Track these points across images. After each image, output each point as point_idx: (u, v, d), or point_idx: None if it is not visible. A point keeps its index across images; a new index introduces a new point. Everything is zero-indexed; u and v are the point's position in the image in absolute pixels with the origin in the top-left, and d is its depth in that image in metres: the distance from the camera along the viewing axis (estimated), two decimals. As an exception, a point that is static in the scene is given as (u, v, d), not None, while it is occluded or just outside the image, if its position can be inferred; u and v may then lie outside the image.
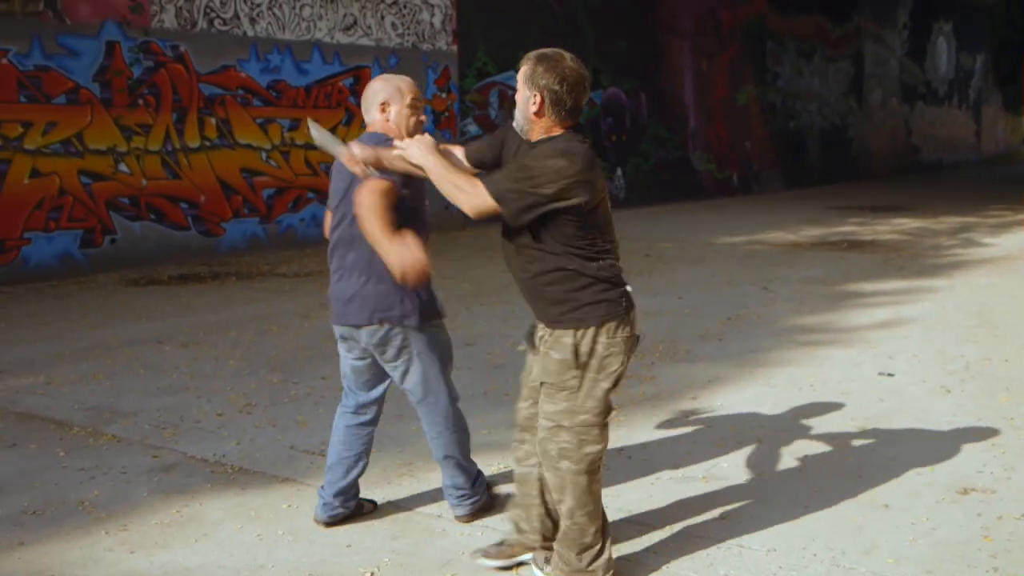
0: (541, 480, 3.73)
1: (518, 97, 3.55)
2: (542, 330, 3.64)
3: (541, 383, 3.58)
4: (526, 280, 3.61)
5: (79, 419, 5.93)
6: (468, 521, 4.24)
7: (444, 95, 15.87)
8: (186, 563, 3.96)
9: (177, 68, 12.45)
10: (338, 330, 4.19)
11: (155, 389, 6.56)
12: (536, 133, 3.54)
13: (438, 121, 15.75)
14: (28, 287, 10.83)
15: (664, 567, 3.83)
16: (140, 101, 12.10)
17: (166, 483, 4.85)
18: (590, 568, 3.56)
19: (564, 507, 3.58)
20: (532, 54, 3.54)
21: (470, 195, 3.41)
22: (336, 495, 4.22)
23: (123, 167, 11.95)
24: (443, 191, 3.47)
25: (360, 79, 14.49)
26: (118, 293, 10.46)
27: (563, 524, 3.61)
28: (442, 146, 3.76)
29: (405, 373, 4.11)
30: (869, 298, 9.70)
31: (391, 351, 4.06)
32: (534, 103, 3.48)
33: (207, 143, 12.78)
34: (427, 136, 3.68)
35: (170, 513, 4.44)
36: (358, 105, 14.36)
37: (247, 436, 5.55)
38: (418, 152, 3.56)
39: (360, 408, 4.26)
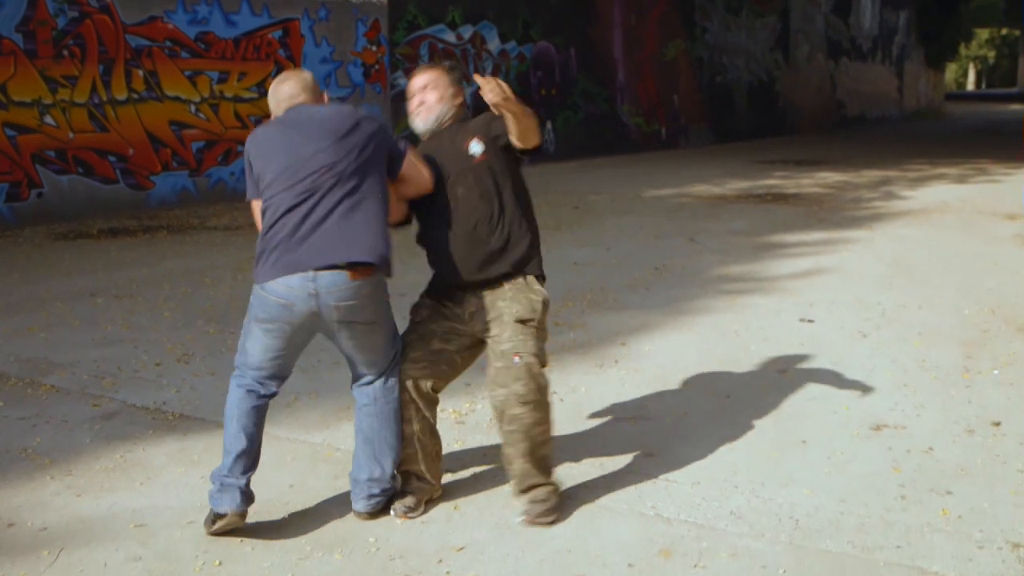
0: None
1: (439, 95, 4.11)
2: (508, 277, 3.95)
3: (522, 320, 3.85)
4: (504, 229, 3.96)
5: (15, 371, 5.97)
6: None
7: (374, 48, 15.83)
8: (133, 505, 4.06)
9: (103, 19, 12.29)
10: None
11: (91, 341, 6.60)
12: (458, 114, 4.15)
13: (368, 74, 15.73)
14: (-46, 241, 10.71)
15: (596, 501, 4.03)
16: (65, 52, 11.94)
17: (108, 430, 4.93)
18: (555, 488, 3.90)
19: (540, 438, 3.83)
20: (446, 64, 4.46)
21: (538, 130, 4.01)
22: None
23: (49, 119, 11.81)
24: (529, 126, 3.87)
25: (289, 32, 14.42)
26: (46, 248, 10.39)
27: (536, 455, 3.84)
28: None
29: None
30: (791, 249, 9.99)
31: None
32: (459, 95, 4.19)
33: (135, 96, 12.66)
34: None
35: (114, 459, 4.53)
36: (288, 58, 14.35)
37: (187, 384, 5.64)
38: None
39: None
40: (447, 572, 3.48)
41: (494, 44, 18.28)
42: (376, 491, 3.88)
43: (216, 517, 3.69)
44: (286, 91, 3.93)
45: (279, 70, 14.25)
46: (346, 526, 3.85)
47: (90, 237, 10.96)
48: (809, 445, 4.63)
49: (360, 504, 3.89)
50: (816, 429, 4.83)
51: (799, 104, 30.26)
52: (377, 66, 15.90)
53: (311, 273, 3.58)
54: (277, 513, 3.95)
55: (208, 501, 3.74)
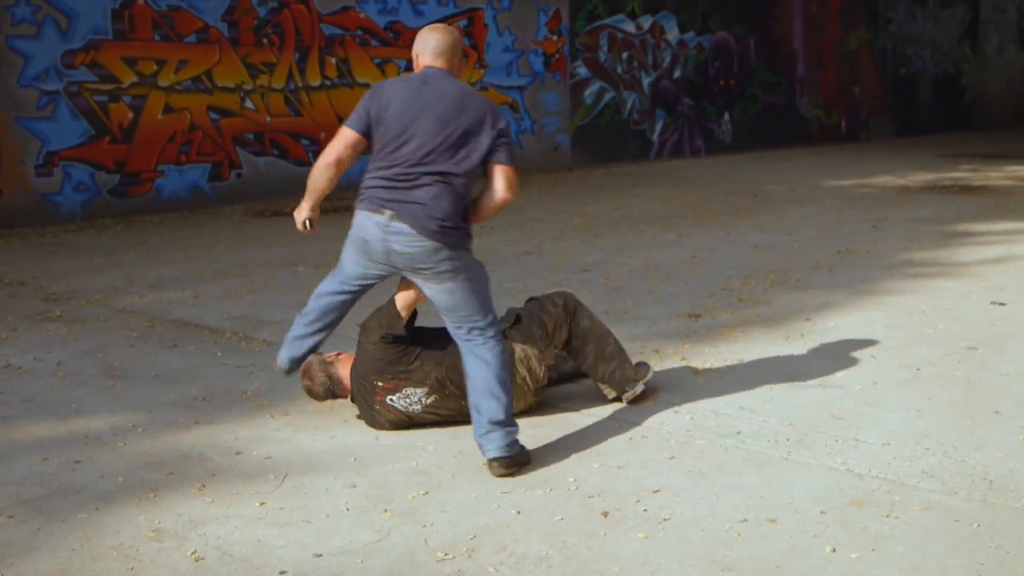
0: None
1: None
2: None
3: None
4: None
5: (229, 326, 6.42)
6: None
7: (555, 38, 16.09)
8: (347, 441, 4.38)
9: (300, 8, 12.89)
10: None
11: (294, 303, 6.98)
12: None
13: (548, 63, 15.99)
14: (162, 217, 11.46)
15: (786, 456, 4.13)
16: (265, 40, 12.59)
17: (318, 379, 5.27)
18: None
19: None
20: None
21: None
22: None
23: (249, 104, 12.47)
24: None
25: (474, 21, 14.80)
26: (245, 223, 11.01)
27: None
28: None
29: None
30: (980, 237, 9.75)
31: None
32: None
33: (327, 82, 13.24)
34: None
35: (326, 403, 4.86)
36: (471, 46, 14.74)
37: (386, 343, 5.97)
38: None
39: None
40: (644, 510, 3.65)
41: (673, 34, 18.29)
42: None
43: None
44: (432, 45, 4.28)
45: (463, 58, 14.63)
46: (545, 467, 4.05)
47: (284, 215, 11.53)
48: (1002, 416, 4.61)
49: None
50: (1009, 401, 4.79)
51: (987, 98, 29.12)
52: (557, 55, 16.15)
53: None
54: (477, 455, 4.18)
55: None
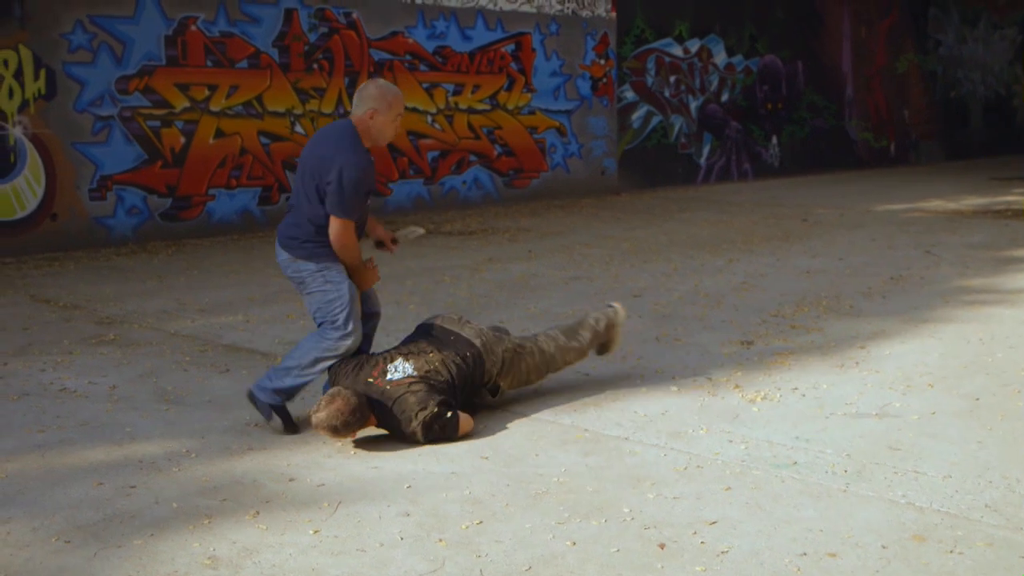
0: None
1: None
2: None
3: None
4: None
5: (281, 351, 6.44)
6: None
7: (602, 62, 16.10)
8: (400, 469, 4.37)
9: (350, 34, 13.01)
10: None
11: (345, 328, 7.03)
12: None
13: (596, 87, 16.00)
14: (213, 240, 11.56)
15: (845, 489, 4.06)
16: (315, 66, 12.71)
17: (369, 405, 5.27)
18: None
19: None
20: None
21: None
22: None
23: (299, 128, 12.58)
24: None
25: (521, 45, 14.85)
26: (296, 247, 11.04)
27: None
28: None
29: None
30: (1037, 263, 9.60)
31: None
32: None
33: (376, 106, 13.29)
34: None
35: (379, 429, 4.85)
36: (519, 71, 14.80)
37: (437, 368, 5.96)
38: None
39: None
40: (701, 543, 3.60)
41: (720, 58, 18.25)
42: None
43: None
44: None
45: (511, 83, 14.71)
46: (600, 497, 4.02)
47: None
48: (1066, 448, 4.51)
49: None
50: (1073, 433, 4.69)
51: (1040, 120, 28.72)
52: (605, 79, 16.15)
53: None
54: (531, 482, 4.16)
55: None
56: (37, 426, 5.04)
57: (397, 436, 4.66)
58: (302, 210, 4.88)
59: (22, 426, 5.05)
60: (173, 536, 3.72)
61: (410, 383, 4.70)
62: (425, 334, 5.09)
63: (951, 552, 3.50)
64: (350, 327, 4.84)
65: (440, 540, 3.66)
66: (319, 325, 4.93)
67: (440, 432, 4.63)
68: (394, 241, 5.39)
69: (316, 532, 3.74)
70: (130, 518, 3.89)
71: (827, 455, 4.43)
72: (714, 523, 3.75)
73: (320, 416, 4.50)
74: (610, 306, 5.60)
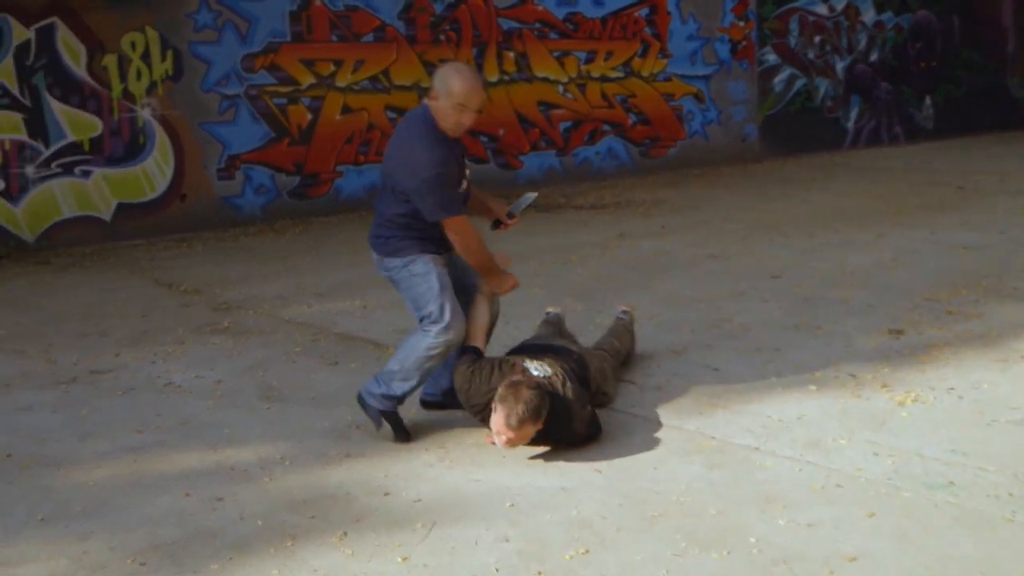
0: None
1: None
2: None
3: None
4: None
5: (394, 340, 6.14)
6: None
7: (742, 23, 15.34)
8: (502, 482, 4.00)
9: (477, 3, 12.63)
10: None
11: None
12: None
13: (735, 51, 15.27)
14: (341, 217, 11.40)
15: (1010, 518, 3.52)
16: (442, 37, 12.39)
17: (479, 405, 4.93)
18: None
19: None
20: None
21: None
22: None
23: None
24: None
25: (656, 9, 14.23)
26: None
27: None
28: None
29: None
30: None
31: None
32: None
33: (505, 77, 12.95)
34: None
35: (484, 433, 4.49)
36: (654, 36, 14.20)
37: (554, 362, 5.57)
38: None
39: None
40: (838, 583, 3.14)
41: (869, 15, 17.24)
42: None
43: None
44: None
45: (645, 48, 14.13)
46: (723, 522, 3.58)
47: (462, 215, 11.30)
48: None
49: None
50: None
51: None
52: (744, 42, 15.40)
53: None
54: (646, 502, 3.75)
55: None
56: (136, 425, 4.86)
57: (550, 436, 4.26)
58: (383, 205, 4.63)
59: (122, 425, 4.88)
60: (253, 561, 3.44)
61: (563, 378, 4.36)
62: (522, 349, 4.83)
63: None
64: (446, 318, 4.45)
65: (539, 573, 3.28)
66: (420, 322, 4.58)
67: (597, 429, 4.36)
68: (510, 215, 4.95)
69: (405, 559, 3.40)
70: (211, 537, 3.63)
71: (989, 474, 3.87)
72: (854, 560, 3.27)
73: (519, 410, 4.00)
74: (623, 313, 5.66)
